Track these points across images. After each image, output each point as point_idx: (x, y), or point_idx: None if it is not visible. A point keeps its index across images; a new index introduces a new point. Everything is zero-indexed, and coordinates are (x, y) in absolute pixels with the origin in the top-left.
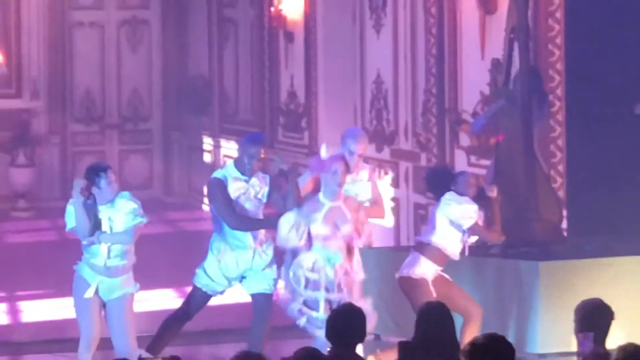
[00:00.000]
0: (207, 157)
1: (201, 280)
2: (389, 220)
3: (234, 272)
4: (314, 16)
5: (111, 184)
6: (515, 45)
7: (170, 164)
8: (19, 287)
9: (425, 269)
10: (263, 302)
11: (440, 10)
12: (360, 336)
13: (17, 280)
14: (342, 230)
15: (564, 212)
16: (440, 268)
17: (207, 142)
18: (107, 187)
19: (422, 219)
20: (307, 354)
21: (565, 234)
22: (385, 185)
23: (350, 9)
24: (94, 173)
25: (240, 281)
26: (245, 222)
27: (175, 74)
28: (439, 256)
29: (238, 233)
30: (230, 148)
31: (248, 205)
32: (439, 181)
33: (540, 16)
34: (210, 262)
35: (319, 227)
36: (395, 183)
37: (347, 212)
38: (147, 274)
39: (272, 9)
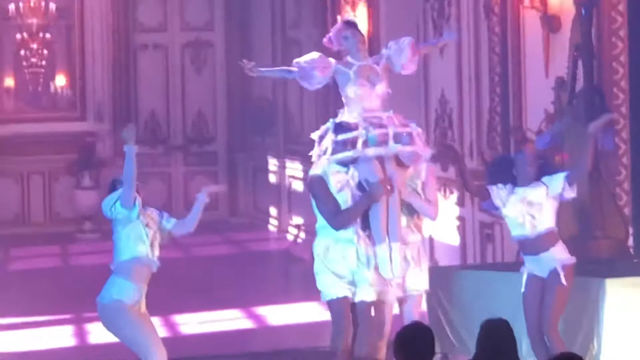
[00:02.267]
0: (272, 178)
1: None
2: (454, 239)
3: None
4: (378, 36)
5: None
6: (579, 64)
7: (236, 185)
8: (86, 310)
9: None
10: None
11: (503, 29)
12: (428, 355)
13: (84, 302)
14: (377, 88)
15: (630, 230)
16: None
17: (272, 163)
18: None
19: (488, 237)
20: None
21: (631, 251)
22: (451, 204)
23: (414, 28)
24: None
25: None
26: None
27: (239, 95)
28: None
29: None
30: (295, 169)
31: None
32: (498, 171)
33: (604, 34)
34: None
35: (352, 87)
36: (461, 202)
37: (379, 71)
38: (213, 295)
39: None
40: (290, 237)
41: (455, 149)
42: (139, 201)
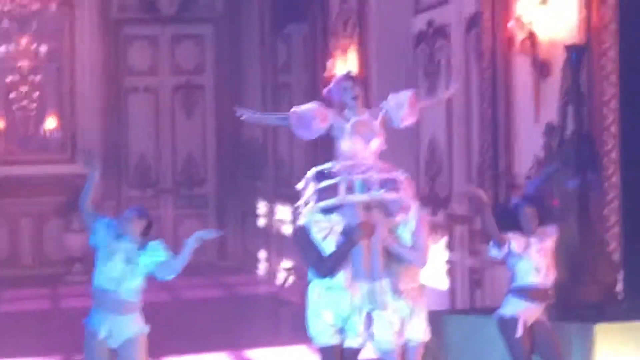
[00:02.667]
0: (261, 222)
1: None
2: (443, 283)
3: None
4: (368, 81)
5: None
6: (570, 109)
7: (225, 229)
8: (75, 352)
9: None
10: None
11: (494, 73)
12: None
13: (73, 345)
14: (371, 144)
15: (619, 275)
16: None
17: (262, 207)
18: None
19: (477, 282)
20: None
21: (620, 296)
22: (440, 249)
23: (404, 72)
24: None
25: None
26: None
27: (229, 139)
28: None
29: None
30: (284, 212)
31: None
32: (505, 221)
33: (594, 80)
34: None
35: (347, 142)
36: (450, 246)
37: (375, 126)
38: (202, 338)
39: (326, 74)
40: (279, 281)
41: (480, 196)
42: (101, 228)
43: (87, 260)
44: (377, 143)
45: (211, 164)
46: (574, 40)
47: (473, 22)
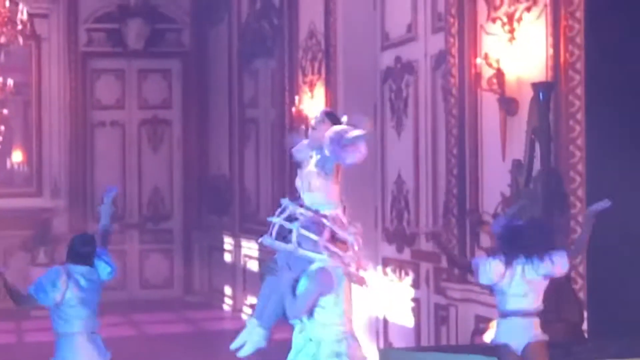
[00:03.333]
0: (227, 257)
1: None
2: (409, 320)
3: None
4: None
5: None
6: (537, 147)
7: (191, 264)
8: None
9: None
10: None
11: (461, 111)
12: None
13: None
14: (311, 185)
15: (585, 314)
16: None
17: (228, 242)
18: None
19: (443, 319)
20: None
21: (586, 335)
22: (405, 286)
23: (372, 109)
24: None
25: None
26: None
27: (196, 174)
28: None
29: None
30: (250, 248)
31: None
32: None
33: (561, 117)
34: None
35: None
36: (416, 284)
37: (315, 167)
38: None
39: (294, 109)
40: (244, 317)
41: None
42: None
43: None
44: (315, 185)
45: (177, 198)
46: (541, 78)
47: (440, 58)
